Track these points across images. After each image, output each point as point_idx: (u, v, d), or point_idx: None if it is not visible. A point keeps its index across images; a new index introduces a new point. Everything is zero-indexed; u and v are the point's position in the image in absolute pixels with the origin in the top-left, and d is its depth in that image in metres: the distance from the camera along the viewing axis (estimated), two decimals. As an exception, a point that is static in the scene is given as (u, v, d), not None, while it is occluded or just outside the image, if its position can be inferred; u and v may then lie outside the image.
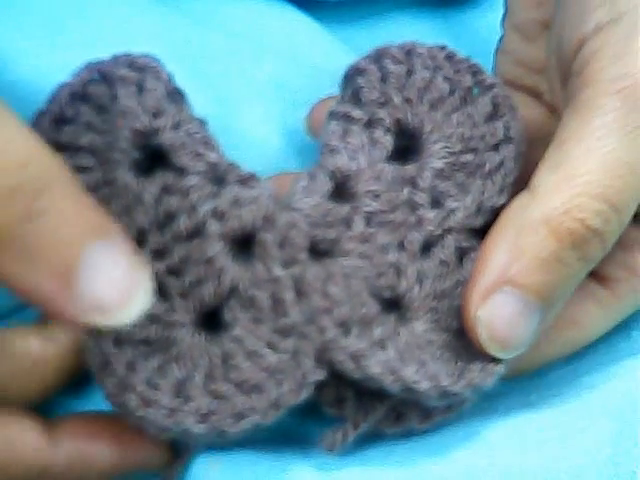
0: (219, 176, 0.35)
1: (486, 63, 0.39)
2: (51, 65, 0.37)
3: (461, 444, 0.33)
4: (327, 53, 0.41)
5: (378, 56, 0.37)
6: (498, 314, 0.33)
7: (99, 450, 0.33)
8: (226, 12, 0.41)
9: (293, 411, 0.33)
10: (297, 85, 0.40)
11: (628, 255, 0.36)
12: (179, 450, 0.34)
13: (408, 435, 0.34)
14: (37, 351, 0.33)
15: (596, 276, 0.36)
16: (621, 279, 0.36)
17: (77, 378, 0.34)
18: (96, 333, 0.32)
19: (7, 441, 0.32)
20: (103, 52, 0.35)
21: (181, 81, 0.35)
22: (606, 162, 0.33)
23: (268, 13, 0.42)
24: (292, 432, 0.35)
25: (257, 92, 0.40)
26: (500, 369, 0.33)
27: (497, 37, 0.41)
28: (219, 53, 0.40)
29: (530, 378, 0.36)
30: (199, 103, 0.35)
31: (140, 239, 0.34)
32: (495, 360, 0.33)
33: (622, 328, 0.37)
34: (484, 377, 0.33)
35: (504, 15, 0.41)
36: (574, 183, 0.33)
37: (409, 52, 0.37)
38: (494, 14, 0.43)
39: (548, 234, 0.33)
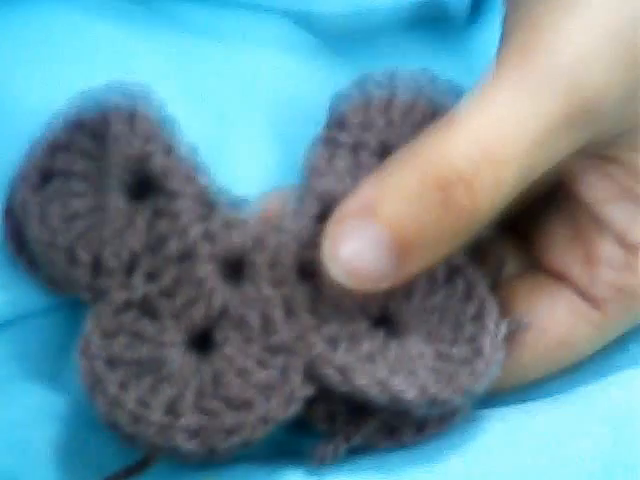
0: (209, 200, 0.36)
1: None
2: (47, 82, 0.38)
3: (456, 450, 0.33)
4: (325, 68, 0.41)
5: (361, 82, 0.38)
6: (348, 240, 0.32)
7: None
8: (224, 27, 0.42)
9: (289, 427, 0.33)
10: (296, 100, 0.40)
11: (617, 275, 0.36)
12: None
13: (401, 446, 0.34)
14: None
15: (586, 297, 0.36)
16: (612, 299, 0.36)
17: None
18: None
19: None
20: (100, 69, 0.36)
21: (179, 96, 0.36)
22: (497, 118, 0.32)
23: (267, 29, 0.42)
24: (288, 448, 0.35)
25: (255, 107, 0.40)
26: (491, 372, 0.34)
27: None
28: (216, 68, 0.40)
29: (525, 387, 0.37)
30: (196, 118, 0.36)
31: (132, 263, 0.35)
32: (488, 362, 0.34)
33: (619, 341, 0.37)
34: (474, 381, 0.33)
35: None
36: (459, 130, 0.32)
37: (392, 76, 0.38)
38: (492, 29, 0.43)
39: (416, 171, 0.32)
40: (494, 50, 0.41)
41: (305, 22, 0.43)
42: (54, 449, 0.35)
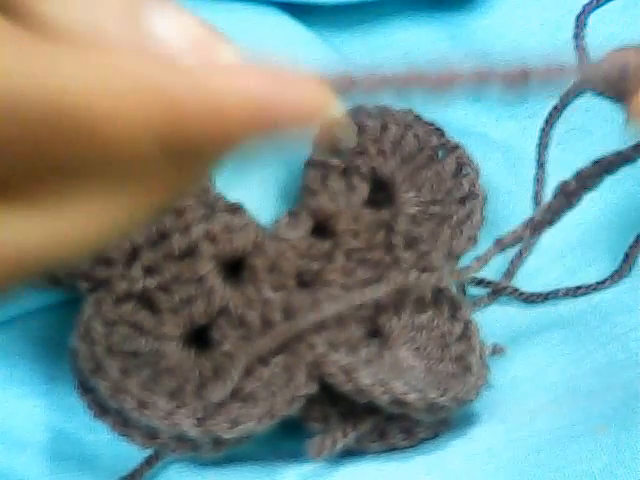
0: (209, 202, 0.36)
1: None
2: None
3: (457, 451, 0.34)
4: (321, 61, 0.42)
5: (354, 111, 0.40)
6: None
7: None
8: (219, 20, 0.41)
9: (284, 428, 0.33)
10: None
11: None
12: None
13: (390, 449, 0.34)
14: None
15: None
16: None
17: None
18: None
19: None
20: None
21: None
22: None
23: (263, 23, 0.42)
24: (282, 449, 0.35)
25: None
26: (481, 385, 0.35)
27: (495, 39, 0.43)
28: None
29: (526, 386, 0.37)
30: None
31: (133, 255, 0.35)
32: (478, 377, 0.35)
33: (621, 340, 0.37)
34: (468, 392, 0.34)
35: None
36: None
37: (383, 109, 0.40)
38: (492, 16, 0.44)
39: None
40: (493, 35, 0.43)
41: (302, 13, 0.42)
42: (50, 451, 0.34)
